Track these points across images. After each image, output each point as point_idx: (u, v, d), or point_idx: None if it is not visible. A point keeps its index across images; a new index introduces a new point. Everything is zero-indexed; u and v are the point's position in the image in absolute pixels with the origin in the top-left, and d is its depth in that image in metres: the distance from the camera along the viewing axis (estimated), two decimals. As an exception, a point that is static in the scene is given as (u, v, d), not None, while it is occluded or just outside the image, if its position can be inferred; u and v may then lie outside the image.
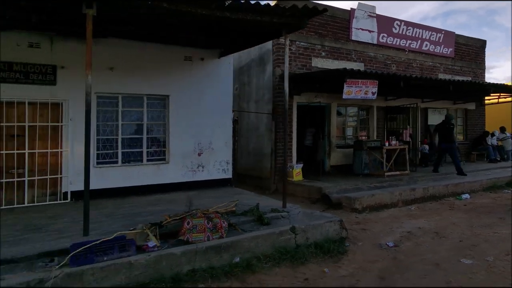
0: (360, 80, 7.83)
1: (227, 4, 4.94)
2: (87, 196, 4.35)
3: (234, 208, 5.25)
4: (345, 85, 7.65)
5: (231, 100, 8.85)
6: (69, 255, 3.20)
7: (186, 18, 5.49)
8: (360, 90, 7.80)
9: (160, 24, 6.13)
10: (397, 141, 9.86)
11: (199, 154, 8.26)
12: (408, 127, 10.95)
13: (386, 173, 9.09)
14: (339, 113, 10.99)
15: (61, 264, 3.36)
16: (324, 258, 4.30)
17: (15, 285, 2.97)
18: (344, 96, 7.71)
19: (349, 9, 10.84)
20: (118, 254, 3.43)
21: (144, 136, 7.78)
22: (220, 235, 4.28)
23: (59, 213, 5.74)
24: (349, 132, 11.34)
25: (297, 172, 9.14)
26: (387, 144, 9.54)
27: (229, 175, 8.69)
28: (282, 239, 4.38)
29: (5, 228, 4.72)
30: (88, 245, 3.31)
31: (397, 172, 9.40)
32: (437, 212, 6.87)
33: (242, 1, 4.94)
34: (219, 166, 8.55)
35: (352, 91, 7.70)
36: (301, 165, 9.28)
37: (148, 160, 7.79)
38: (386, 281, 3.75)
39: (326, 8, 5.58)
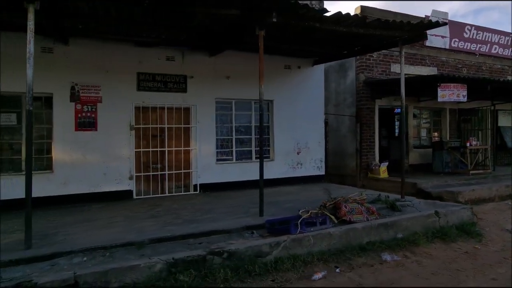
0: (452, 84, 8.43)
1: (366, 22, 5.75)
2: (261, 185, 5.33)
3: (365, 197, 6.02)
4: (439, 89, 8.30)
5: (322, 104, 9.67)
6: (299, 221, 4.11)
7: (324, 34, 6.35)
8: (453, 93, 8.39)
9: (291, 39, 7.01)
10: (478, 142, 10.29)
11: (297, 153, 9.13)
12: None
13: (471, 171, 9.55)
14: (414, 115, 11.54)
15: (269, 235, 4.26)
16: (467, 238, 4.98)
17: (262, 244, 3.90)
18: (439, 99, 8.34)
19: (424, 16, 11.40)
20: (319, 226, 4.30)
21: (253, 137, 8.74)
22: (375, 217, 5.08)
23: (205, 201, 6.75)
24: (423, 133, 11.86)
25: (383, 170, 9.78)
26: (468, 144, 10.00)
27: (322, 172, 9.50)
28: (429, 221, 5.12)
29: (183, 210, 5.77)
30: (301, 219, 4.22)
31: (481, 171, 9.83)
32: (538, 206, 7.32)
33: (382, 20, 5.74)
34: (314, 163, 9.38)
35: (446, 94, 8.32)
36: (387, 163, 9.93)
37: (256, 158, 8.72)
38: (539, 256, 4.38)
39: (446, 22, 6.26)
